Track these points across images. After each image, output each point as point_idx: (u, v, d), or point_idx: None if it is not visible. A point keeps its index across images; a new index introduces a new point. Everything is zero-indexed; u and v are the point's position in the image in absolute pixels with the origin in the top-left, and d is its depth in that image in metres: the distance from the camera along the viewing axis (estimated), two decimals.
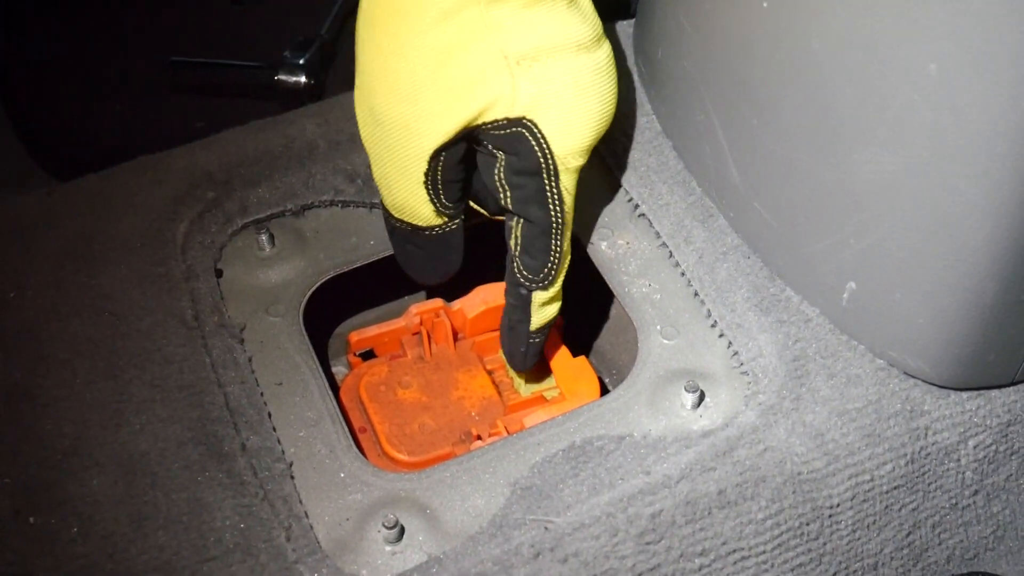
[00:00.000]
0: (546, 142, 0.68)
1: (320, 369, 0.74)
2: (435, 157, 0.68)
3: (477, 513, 0.67)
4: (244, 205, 0.80)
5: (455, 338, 0.82)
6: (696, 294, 0.77)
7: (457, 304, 0.82)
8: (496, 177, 0.70)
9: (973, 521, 0.74)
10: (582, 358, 0.79)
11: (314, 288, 0.78)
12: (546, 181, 0.69)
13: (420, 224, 0.72)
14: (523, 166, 0.69)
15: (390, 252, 0.80)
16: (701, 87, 0.77)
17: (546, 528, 0.65)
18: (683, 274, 0.78)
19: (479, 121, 0.67)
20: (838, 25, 0.64)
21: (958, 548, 0.74)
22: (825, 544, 0.68)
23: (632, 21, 0.89)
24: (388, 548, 0.66)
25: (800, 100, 0.68)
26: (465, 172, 0.71)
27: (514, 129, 0.67)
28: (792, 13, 0.67)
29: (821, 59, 0.65)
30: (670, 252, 0.79)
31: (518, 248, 0.72)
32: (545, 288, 0.72)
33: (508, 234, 0.72)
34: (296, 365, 0.74)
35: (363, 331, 0.82)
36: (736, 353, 0.74)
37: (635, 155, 0.83)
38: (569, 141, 0.68)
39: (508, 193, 0.70)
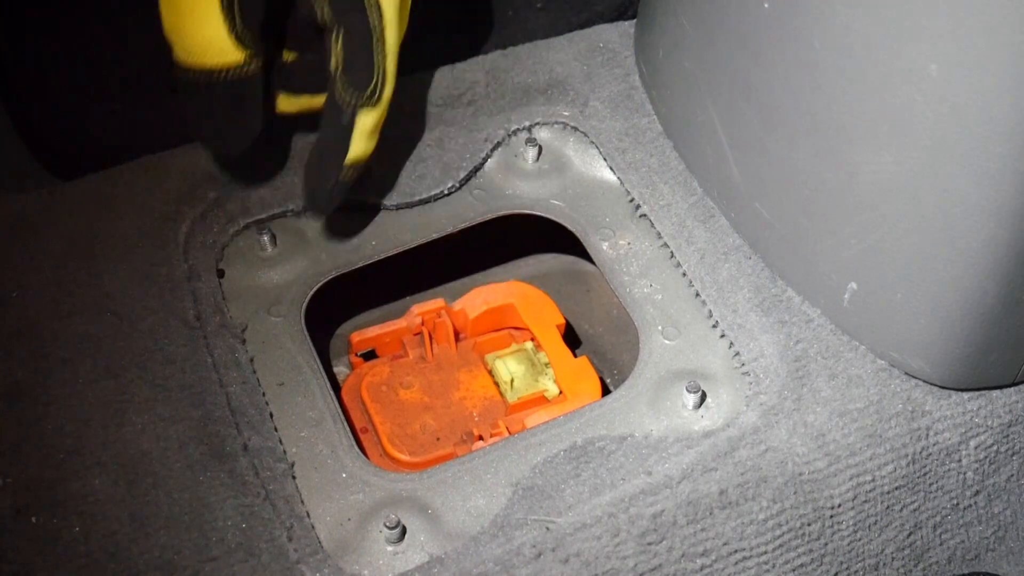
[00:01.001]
0: None
1: (322, 369, 0.74)
2: None
3: (479, 513, 0.67)
4: (246, 205, 0.80)
5: (457, 338, 0.82)
6: (697, 294, 0.77)
7: (459, 304, 0.82)
8: None
9: (974, 521, 0.74)
10: (583, 358, 0.79)
11: (316, 288, 0.78)
12: None
13: (213, 62, 0.68)
14: None
15: (392, 253, 0.80)
16: (702, 87, 0.77)
17: (548, 528, 0.65)
18: (684, 274, 0.78)
19: None
20: (839, 26, 0.64)
21: (959, 548, 0.74)
22: (826, 544, 0.69)
23: (633, 22, 0.89)
24: (390, 548, 0.66)
25: (801, 100, 0.68)
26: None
27: None
28: (793, 13, 0.67)
29: (822, 59, 0.65)
30: (671, 252, 0.79)
31: (340, 66, 0.69)
32: (372, 106, 0.69)
33: (328, 56, 0.69)
34: (298, 365, 0.74)
35: (365, 331, 0.82)
36: (737, 354, 0.74)
37: (636, 155, 0.83)
38: None
39: (325, 4, 0.68)
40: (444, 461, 0.71)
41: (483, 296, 0.82)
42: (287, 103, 0.74)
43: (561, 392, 0.79)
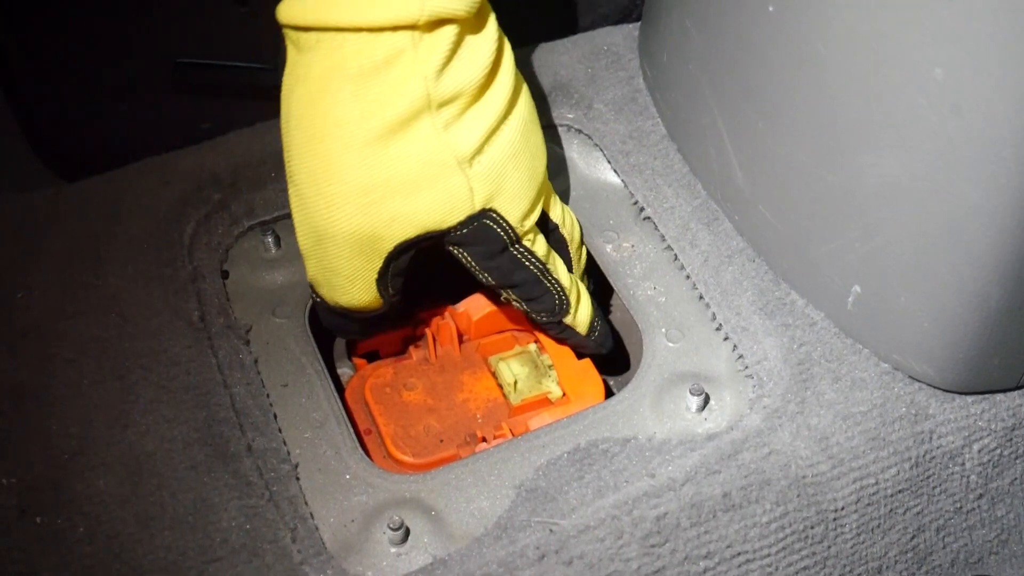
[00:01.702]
0: (504, 220, 0.70)
1: (325, 371, 0.74)
2: (391, 258, 0.69)
3: (482, 515, 0.67)
4: (250, 207, 0.80)
5: (460, 340, 0.82)
6: (701, 297, 0.77)
7: (462, 306, 0.82)
8: (470, 267, 0.72)
9: (977, 525, 0.74)
10: (587, 360, 0.79)
11: None
12: (514, 251, 0.71)
13: (358, 312, 0.73)
14: (491, 250, 0.71)
15: None
16: (706, 90, 0.77)
17: (551, 530, 0.65)
18: (688, 277, 0.78)
19: (442, 227, 0.68)
20: (844, 29, 0.64)
21: (962, 552, 0.74)
22: (829, 547, 0.69)
23: (638, 24, 0.90)
24: (393, 550, 0.66)
25: (805, 104, 0.68)
26: (415, 264, 0.72)
27: (476, 223, 0.69)
28: (798, 17, 0.67)
29: (827, 63, 0.66)
30: (675, 255, 0.79)
31: (525, 306, 0.74)
32: (568, 312, 0.74)
33: (511, 301, 0.75)
34: (302, 367, 0.74)
35: None
36: (741, 356, 0.74)
37: (641, 158, 0.83)
38: (521, 208, 0.70)
39: (488, 275, 0.72)
40: (448, 463, 0.71)
41: (486, 298, 0.82)
42: None
43: (564, 394, 0.79)
